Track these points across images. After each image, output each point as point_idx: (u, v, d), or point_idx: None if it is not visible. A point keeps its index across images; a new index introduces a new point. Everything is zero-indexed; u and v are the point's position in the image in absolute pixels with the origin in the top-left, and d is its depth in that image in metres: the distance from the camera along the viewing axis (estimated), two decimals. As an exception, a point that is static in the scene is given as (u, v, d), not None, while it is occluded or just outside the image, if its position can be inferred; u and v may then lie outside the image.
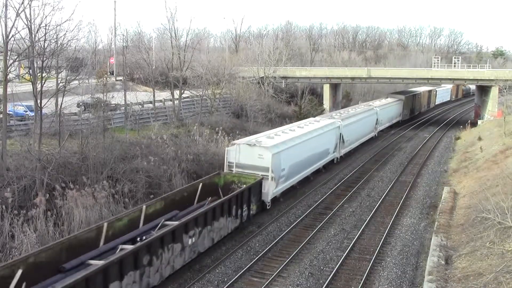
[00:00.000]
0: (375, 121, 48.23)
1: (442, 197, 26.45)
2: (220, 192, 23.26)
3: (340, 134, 36.05)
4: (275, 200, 25.73)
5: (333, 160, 36.02)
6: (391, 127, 56.82)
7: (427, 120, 69.08)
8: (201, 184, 22.50)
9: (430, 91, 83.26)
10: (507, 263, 14.92)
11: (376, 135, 49.43)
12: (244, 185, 22.79)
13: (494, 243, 16.86)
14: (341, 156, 37.28)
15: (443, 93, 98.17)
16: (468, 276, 15.38)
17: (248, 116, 47.14)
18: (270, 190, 24.51)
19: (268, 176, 24.24)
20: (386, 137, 51.25)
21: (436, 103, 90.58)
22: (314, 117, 41.86)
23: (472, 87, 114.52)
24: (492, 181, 25.86)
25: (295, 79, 64.53)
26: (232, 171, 25.04)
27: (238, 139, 34.27)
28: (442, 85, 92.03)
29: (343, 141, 36.87)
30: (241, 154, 24.92)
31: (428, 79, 63.44)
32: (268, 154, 24.47)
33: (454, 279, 15.61)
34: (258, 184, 23.65)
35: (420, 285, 16.81)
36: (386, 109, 53.46)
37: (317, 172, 32.88)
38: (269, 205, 24.54)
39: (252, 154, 24.70)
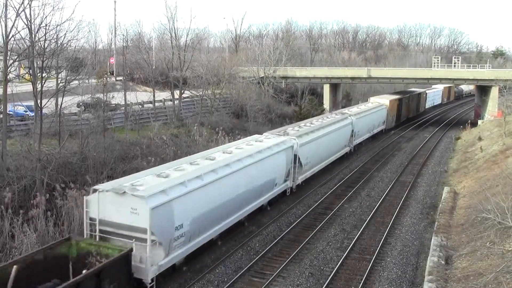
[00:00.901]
0: (349, 133, 39.19)
1: (442, 197, 26.45)
2: (70, 270, 14.95)
3: (295, 155, 27.17)
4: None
5: (284, 191, 26.78)
6: (374, 137, 48.72)
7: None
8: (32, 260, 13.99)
9: (419, 94, 74.77)
10: (507, 263, 14.92)
11: (352, 150, 40.67)
12: (105, 259, 14.50)
13: (494, 243, 16.86)
14: (298, 185, 28.29)
15: (434, 96, 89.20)
16: (468, 276, 15.37)
17: (248, 116, 47.16)
18: (154, 262, 15.65)
19: (146, 241, 15.24)
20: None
21: (426, 107, 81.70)
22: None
23: (465, 88, 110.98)
24: (492, 181, 25.86)
25: (295, 79, 64.55)
26: (93, 234, 16.01)
27: (239, 138, 34.18)
28: (433, 86, 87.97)
29: (301, 165, 28.15)
30: (106, 207, 15.78)
31: (428, 79, 63.48)
32: (144, 208, 15.19)
33: (454, 279, 15.61)
34: (122, 261, 14.62)
35: (420, 285, 16.81)
36: (366, 117, 44.26)
37: (259, 210, 24.12)
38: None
39: (122, 207, 15.55)
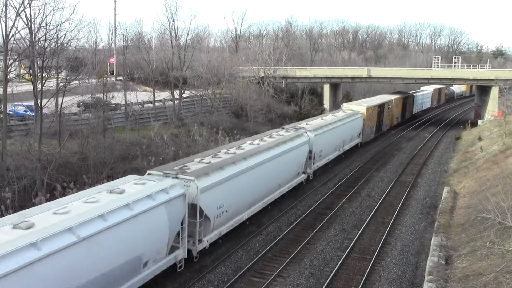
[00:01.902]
0: (305, 155, 28.60)
1: (442, 197, 26.45)
2: None
3: (196, 207, 17.58)
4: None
5: (174, 264, 16.99)
6: (349, 151, 39.81)
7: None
8: None
9: (405, 98, 64.21)
10: (507, 263, 14.92)
11: (311, 176, 30.31)
12: None
13: (494, 243, 16.86)
14: (211, 243, 19.17)
15: (423, 99, 78.29)
16: (468, 276, 15.37)
17: (248, 116, 47.16)
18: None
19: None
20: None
21: (413, 112, 71.29)
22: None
23: (457, 90, 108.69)
24: (492, 181, 25.85)
25: (295, 79, 64.57)
26: None
27: (238, 138, 34.16)
28: (422, 88, 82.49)
29: (208, 220, 18.61)
30: None
31: (428, 79, 63.52)
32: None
33: (454, 279, 15.61)
34: None
35: (420, 285, 16.81)
36: (333, 130, 33.89)
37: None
38: None
39: None
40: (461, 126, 56.25)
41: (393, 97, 57.96)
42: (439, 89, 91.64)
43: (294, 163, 26.89)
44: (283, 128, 29.99)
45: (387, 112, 53.38)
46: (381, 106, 50.36)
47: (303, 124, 32.28)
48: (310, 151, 29.27)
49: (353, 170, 35.09)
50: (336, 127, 34.92)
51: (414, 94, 72.08)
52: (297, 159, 27.32)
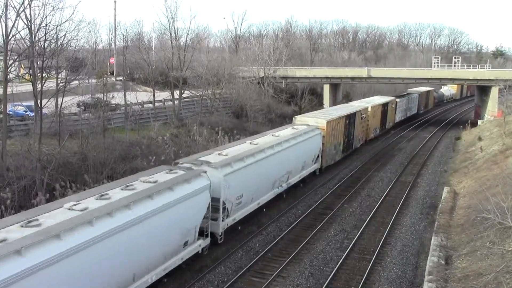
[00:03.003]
0: (202, 209, 18.25)
1: (442, 197, 26.45)
2: None
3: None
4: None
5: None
6: (302, 181, 29.65)
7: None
8: None
9: (385, 105, 52.40)
10: (507, 263, 14.92)
11: (221, 238, 20.27)
12: None
13: (494, 243, 16.86)
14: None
15: (408, 104, 66.27)
16: (468, 276, 15.38)
17: (248, 116, 47.18)
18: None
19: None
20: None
21: (396, 121, 58.96)
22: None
23: (446, 92, 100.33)
24: (492, 181, 25.85)
25: (295, 79, 64.59)
26: None
27: (238, 138, 34.11)
28: (408, 90, 76.42)
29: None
30: None
31: (428, 79, 63.55)
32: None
33: (454, 279, 15.61)
34: None
35: (420, 285, 16.81)
36: (267, 160, 23.74)
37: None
38: None
39: None
40: (461, 126, 56.25)
41: (368, 104, 46.53)
42: (427, 92, 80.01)
43: (174, 232, 16.57)
44: (171, 170, 18.46)
45: (359, 124, 41.95)
46: (350, 117, 38.82)
47: (210, 157, 21.32)
48: (215, 200, 19.16)
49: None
50: (273, 154, 24.35)
51: (397, 100, 59.35)
52: (182, 224, 16.91)
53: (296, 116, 35.36)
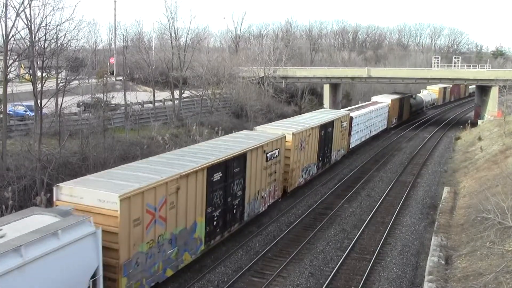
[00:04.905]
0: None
1: (442, 197, 26.46)
2: None
3: None
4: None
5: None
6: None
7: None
8: None
9: (325, 126, 31.33)
10: (507, 263, 14.92)
11: None
12: None
13: (494, 243, 16.86)
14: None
15: (370, 119, 45.79)
16: (468, 276, 15.38)
17: (248, 116, 47.15)
18: None
19: None
20: None
21: (352, 145, 39.92)
22: None
23: (427, 98, 79.07)
24: (492, 181, 25.85)
25: (295, 79, 64.58)
26: None
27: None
28: (373, 99, 55.94)
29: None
30: None
31: (428, 79, 63.54)
32: None
33: (454, 279, 15.61)
34: None
35: (420, 285, 16.81)
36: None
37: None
38: None
39: None
40: (461, 127, 56.21)
41: (290, 130, 26.21)
42: (401, 100, 59.09)
43: None
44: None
45: (264, 173, 23.11)
46: (268, 145, 22.88)
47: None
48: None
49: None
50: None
51: (352, 115, 39.51)
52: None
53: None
